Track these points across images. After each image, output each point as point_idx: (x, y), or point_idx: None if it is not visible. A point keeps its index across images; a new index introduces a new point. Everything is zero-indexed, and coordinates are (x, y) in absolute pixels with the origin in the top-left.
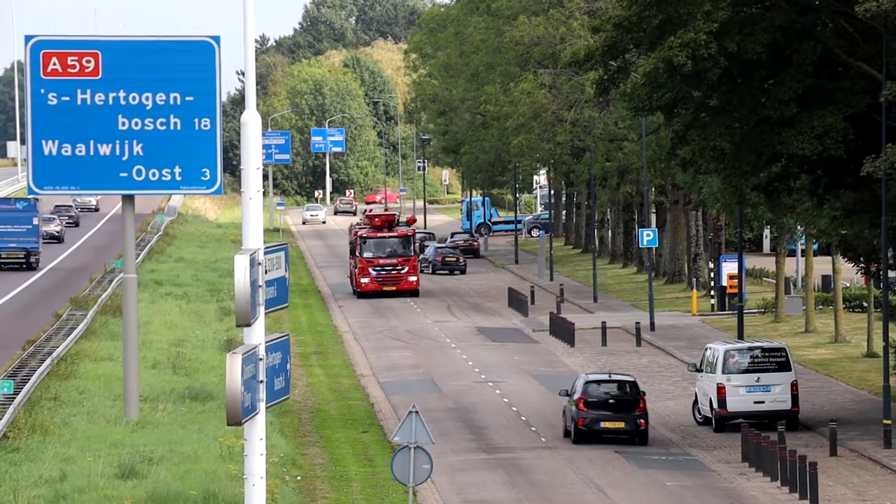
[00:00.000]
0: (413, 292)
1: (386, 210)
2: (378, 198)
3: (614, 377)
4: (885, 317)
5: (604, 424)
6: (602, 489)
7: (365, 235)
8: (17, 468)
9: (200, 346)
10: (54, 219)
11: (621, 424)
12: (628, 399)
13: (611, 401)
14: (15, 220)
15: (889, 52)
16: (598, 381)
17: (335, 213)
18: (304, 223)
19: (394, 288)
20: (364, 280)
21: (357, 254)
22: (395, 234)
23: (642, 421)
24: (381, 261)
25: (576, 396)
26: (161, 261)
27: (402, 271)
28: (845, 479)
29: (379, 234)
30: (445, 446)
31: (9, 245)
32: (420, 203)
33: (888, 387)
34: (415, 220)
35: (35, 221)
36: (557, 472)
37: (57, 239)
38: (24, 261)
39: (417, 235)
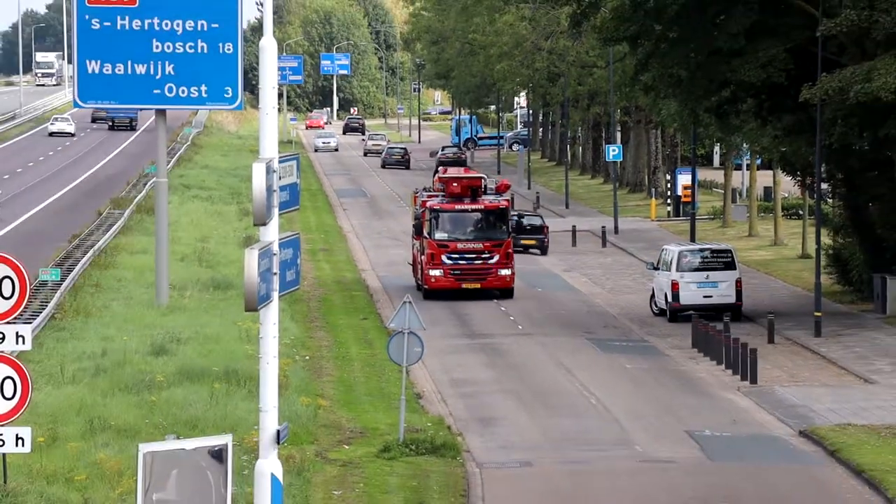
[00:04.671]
0: (506, 291)
1: (467, 171)
2: (323, 119)
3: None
4: (818, 223)
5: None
6: (570, 370)
7: (437, 208)
8: (63, 345)
9: (222, 242)
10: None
11: None
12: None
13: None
14: None
15: None
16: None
17: (344, 131)
18: (315, 150)
19: (478, 285)
20: (435, 273)
21: (425, 233)
22: (482, 206)
23: None
24: (461, 245)
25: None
26: (189, 167)
27: (491, 261)
28: (780, 363)
29: (458, 207)
30: (435, 332)
31: (118, 115)
32: (415, 120)
33: (819, 284)
34: (508, 186)
35: None
36: (532, 356)
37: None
38: (129, 125)
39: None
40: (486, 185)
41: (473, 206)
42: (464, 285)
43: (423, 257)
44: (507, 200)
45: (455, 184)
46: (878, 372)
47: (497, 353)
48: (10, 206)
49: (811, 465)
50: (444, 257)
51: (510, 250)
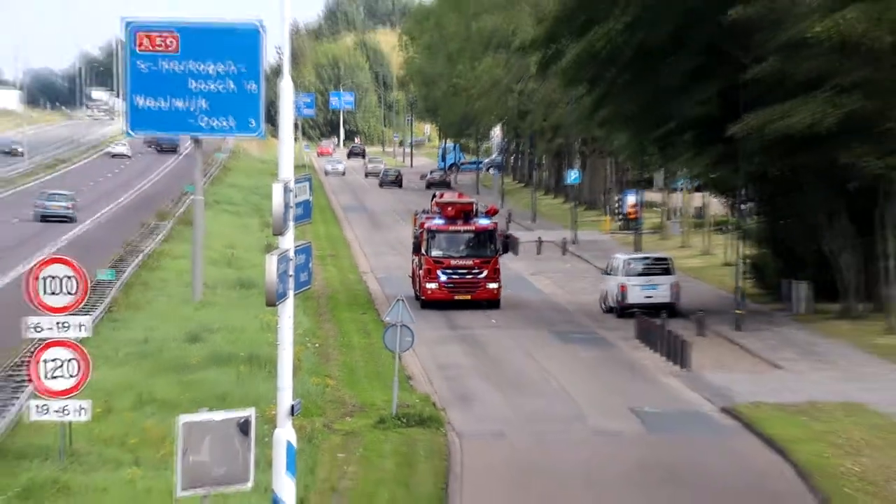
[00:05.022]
0: (493, 303)
1: (460, 196)
2: (331, 147)
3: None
4: (741, 237)
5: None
6: (535, 358)
7: (434, 228)
8: (116, 332)
9: (247, 249)
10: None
11: None
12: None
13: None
14: None
15: (751, 44)
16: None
17: (348, 156)
18: (326, 174)
19: (468, 297)
20: (431, 286)
21: (423, 251)
22: (473, 227)
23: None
24: (454, 262)
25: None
26: (220, 186)
27: (480, 276)
28: (708, 352)
29: (452, 228)
30: (424, 325)
31: (164, 141)
32: (408, 148)
33: (739, 287)
34: (496, 211)
35: None
36: (504, 346)
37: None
38: (173, 149)
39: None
40: (476, 209)
41: (465, 228)
42: (456, 297)
43: (420, 272)
44: (496, 223)
45: (450, 208)
46: (786, 360)
47: (475, 344)
48: (39, 237)
49: (731, 436)
50: (439, 272)
51: (497, 266)
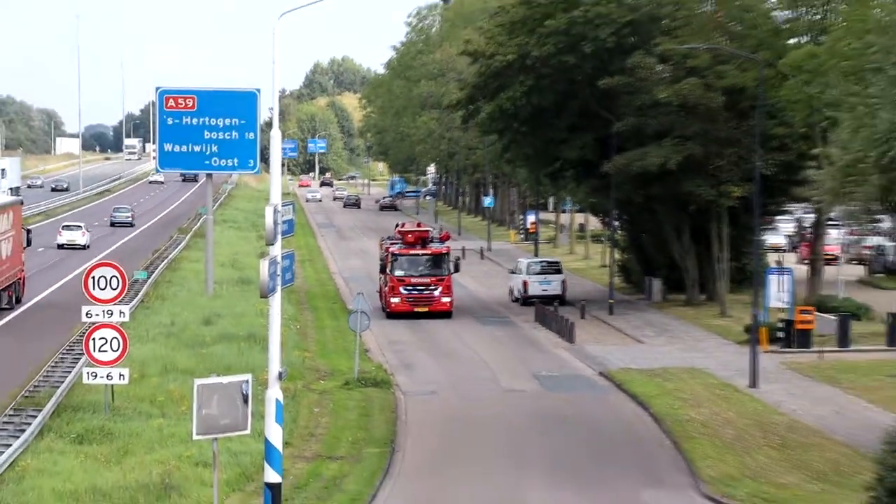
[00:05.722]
0: (446, 314)
1: (419, 225)
2: (310, 181)
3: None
4: (612, 246)
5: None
6: (461, 336)
7: (396, 252)
8: (148, 318)
9: (246, 255)
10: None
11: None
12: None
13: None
14: None
15: (617, 106)
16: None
17: (321, 184)
18: (306, 201)
19: (426, 309)
20: (394, 300)
21: (388, 271)
22: (429, 251)
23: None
24: (414, 280)
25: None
26: (226, 209)
27: (435, 292)
28: (588, 331)
29: (411, 252)
30: (378, 313)
31: (188, 173)
32: (367, 181)
33: (612, 282)
34: (449, 237)
35: None
36: (438, 328)
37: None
38: (194, 178)
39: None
40: (432, 236)
41: (423, 251)
42: (416, 309)
43: (385, 288)
44: (449, 247)
45: (410, 235)
46: (646, 336)
47: (417, 327)
48: (113, 236)
49: (607, 393)
50: (401, 288)
51: (450, 284)
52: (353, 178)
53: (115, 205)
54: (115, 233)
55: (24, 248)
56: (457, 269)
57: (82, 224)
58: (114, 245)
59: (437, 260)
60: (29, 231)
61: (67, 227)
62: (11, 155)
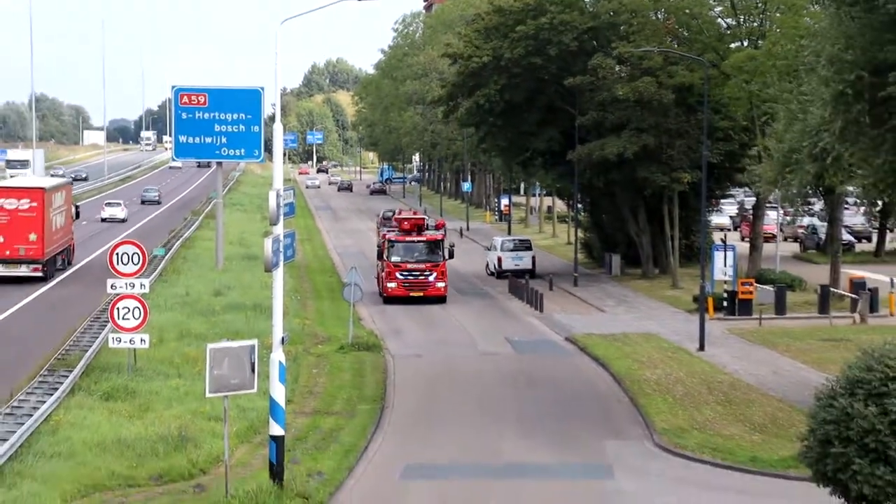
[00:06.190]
0: (441, 299)
1: (415, 213)
2: (308, 168)
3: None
4: (576, 225)
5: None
6: (443, 306)
7: (393, 239)
8: (165, 289)
9: (253, 234)
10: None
11: None
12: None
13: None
14: None
15: (580, 102)
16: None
17: (318, 171)
18: (306, 188)
19: (421, 294)
20: (391, 285)
21: (385, 257)
22: (424, 238)
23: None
24: (409, 265)
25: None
26: (234, 193)
27: (430, 277)
28: (556, 301)
29: (407, 238)
30: (370, 285)
31: (202, 161)
32: (359, 168)
33: (576, 258)
34: (444, 225)
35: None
36: (423, 299)
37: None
38: (208, 165)
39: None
40: (427, 223)
41: (419, 238)
42: (411, 294)
43: (383, 273)
44: (444, 234)
45: (406, 222)
46: (606, 305)
47: (405, 299)
48: (143, 212)
49: (572, 356)
50: (397, 274)
51: (444, 269)
52: (336, 165)
53: (144, 186)
54: (143, 210)
55: (74, 221)
56: (451, 256)
57: (121, 201)
58: (144, 220)
59: (433, 246)
60: (77, 206)
61: (109, 204)
62: (44, 146)
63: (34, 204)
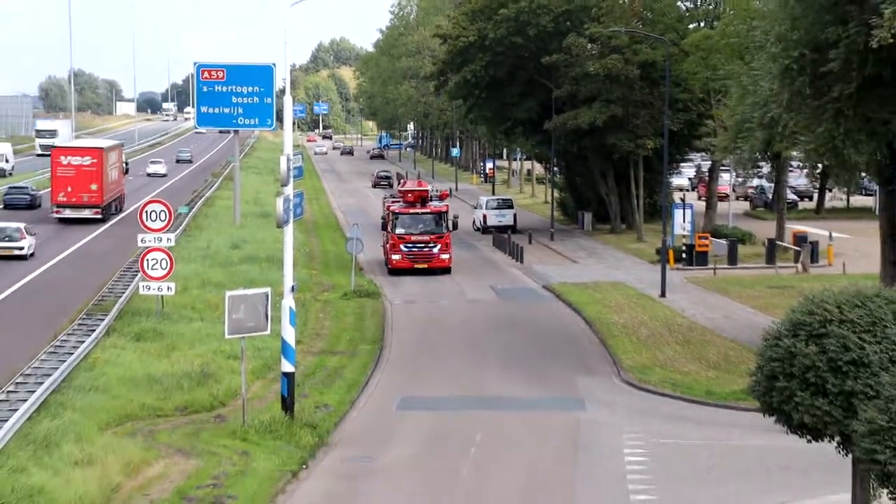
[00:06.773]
0: (445, 270)
1: (419, 184)
2: (315, 136)
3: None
4: (552, 186)
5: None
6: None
7: (397, 211)
8: (189, 243)
9: (266, 194)
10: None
11: None
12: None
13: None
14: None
15: (556, 77)
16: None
17: (322, 137)
18: (314, 154)
19: (426, 266)
20: (395, 257)
21: (389, 229)
22: (429, 210)
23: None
24: (414, 237)
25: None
26: (250, 158)
27: (435, 249)
28: (535, 254)
29: (412, 210)
30: (369, 240)
31: (223, 128)
32: (359, 135)
33: (553, 215)
34: (448, 195)
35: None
36: None
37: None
38: (228, 132)
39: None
40: (431, 195)
41: (423, 210)
42: (416, 265)
43: (388, 245)
44: (447, 205)
45: (410, 194)
46: (579, 258)
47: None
48: (178, 169)
49: (549, 302)
50: (402, 246)
51: (449, 241)
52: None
53: (178, 148)
54: (178, 167)
55: (125, 175)
56: (455, 227)
57: (163, 160)
58: (179, 175)
59: (437, 218)
60: (127, 163)
61: (153, 162)
62: (81, 116)
63: (94, 160)
